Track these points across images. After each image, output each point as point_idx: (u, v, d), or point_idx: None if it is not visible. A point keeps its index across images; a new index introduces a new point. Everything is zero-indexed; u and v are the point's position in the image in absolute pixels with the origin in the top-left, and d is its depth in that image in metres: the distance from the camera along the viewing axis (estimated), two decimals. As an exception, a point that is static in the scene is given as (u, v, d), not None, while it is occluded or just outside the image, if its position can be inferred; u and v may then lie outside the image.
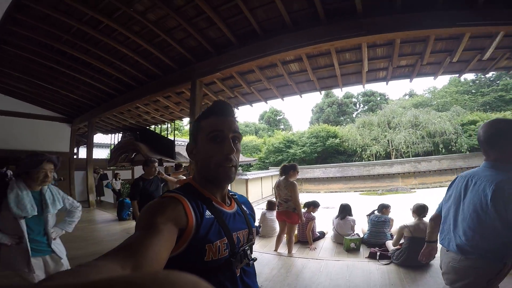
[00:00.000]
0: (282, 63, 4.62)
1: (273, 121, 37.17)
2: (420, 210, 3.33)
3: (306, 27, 3.61)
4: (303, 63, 4.54)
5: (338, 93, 35.29)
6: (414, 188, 16.88)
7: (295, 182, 3.76)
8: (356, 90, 36.89)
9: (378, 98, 32.70)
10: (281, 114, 38.02)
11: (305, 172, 20.25)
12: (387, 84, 5.26)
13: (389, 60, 4.40)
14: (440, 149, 19.95)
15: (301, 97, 5.84)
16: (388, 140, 20.86)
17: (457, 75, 4.99)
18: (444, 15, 3.13)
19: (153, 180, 3.85)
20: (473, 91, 26.20)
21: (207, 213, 0.72)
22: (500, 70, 5.06)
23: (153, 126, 10.36)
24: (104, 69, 5.53)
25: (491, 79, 25.19)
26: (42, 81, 6.58)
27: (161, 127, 10.55)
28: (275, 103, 43.13)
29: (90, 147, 8.82)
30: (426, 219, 3.26)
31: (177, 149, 10.06)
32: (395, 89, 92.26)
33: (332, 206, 11.60)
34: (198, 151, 0.78)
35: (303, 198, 14.54)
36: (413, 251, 2.97)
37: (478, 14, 3.02)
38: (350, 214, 4.66)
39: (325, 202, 13.04)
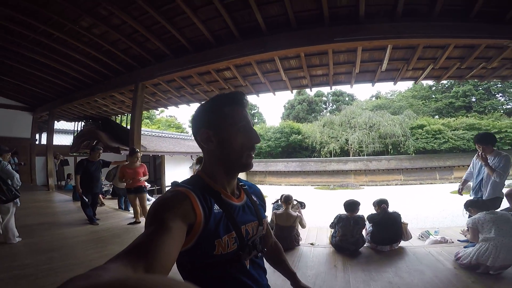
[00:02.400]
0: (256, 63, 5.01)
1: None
2: (285, 199, 4.26)
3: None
4: (275, 63, 4.92)
5: (310, 91, 36.56)
6: (364, 185, 18.46)
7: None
8: (326, 89, 38.42)
9: (347, 98, 34.24)
10: (256, 108, 38.73)
11: (269, 165, 21.51)
12: (351, 87, 5.82)
13: (405, 62, 4.72)
14: (390, 150, 21.73)
15: (274, 94, 6.29)
16: (345, 139, 22.42)
17: (414, 81, 5.57)
18: (400, 26, 3.56)
19: (94, 163, 5.23)
20: (431, 96, 28.08)
21: (216, 207, 0.72)
22: (454, 79, 5.92)
23: (116, 116, 10.93)
24: (62, 69, 6.17)
25: (446, 86, 27.03)
26: (4, 75, 7.05)
27: (127, 116, 11.08)
28: (251, 98, 43.45)
29: (50, 134, 9.35)
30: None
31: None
32: (364, 90, 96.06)
33: (301, 200, 12.75)
34: (222, 139, 0.76)
35: (267, 190, 15.79)
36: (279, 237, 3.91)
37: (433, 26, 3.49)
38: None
39: (279, 195, 14.27)
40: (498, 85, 23.72)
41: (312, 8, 3.63)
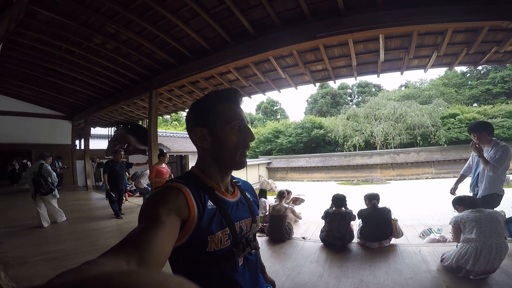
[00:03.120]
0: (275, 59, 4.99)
1: (269, 111, 37.85)
2: (279, 194, 4.45)
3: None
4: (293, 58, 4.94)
5: (334, 84, 35.38)
6: (391, 180, 17.64)
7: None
8: (351, 81, 37.01)
9: (373, 89, 32.70)
10: (277, 104, 38.56)
11: (290, 161, 21.51)
12: (378, 76, 5.50)
13: (405, 51, 4.53)
14: (419, 141, 20.45)
15: (297, 89, 6.23)
16: (370, 132, 21.49)
17: (448, 67, 5.19)
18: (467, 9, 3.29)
19: (119, 163, 6.03)
20: (466, 83, 25.98)
21: (209, 203, 0.72)
22: (492, 64, 5.27)
23: (142, 121, 11.90)
24: (88, 81, 7.04)
25: (482, 72, 24.88)
26: (43, 88, 8.18)
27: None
28: (272, 94, 43.44)
29: (86, 139, 10.51)
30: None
31: (161, 140, 11.65)
32: (391, 81, 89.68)
33: (304, 193, 12.82)
34: (216, 136, 0.77)
35: (288, 186, 15.92)
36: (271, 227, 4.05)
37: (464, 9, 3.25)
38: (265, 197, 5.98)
39: (303, 190, 14.34)
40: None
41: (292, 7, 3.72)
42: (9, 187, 10.95)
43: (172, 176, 5.97)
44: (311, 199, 10.71)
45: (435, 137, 19.89)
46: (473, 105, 23.46)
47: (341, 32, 3.69)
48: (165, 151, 5.90)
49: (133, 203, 7.68)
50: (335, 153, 21.96)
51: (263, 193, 6.37)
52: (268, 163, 21.84)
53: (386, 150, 20.27)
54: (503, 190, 3.06)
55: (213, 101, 0.78)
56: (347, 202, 3.79)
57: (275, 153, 25.60)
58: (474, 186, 3.25)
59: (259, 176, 17.68)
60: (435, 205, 8.53)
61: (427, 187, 13.76)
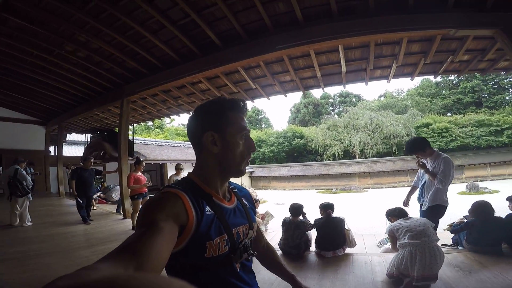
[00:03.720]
0: (265, 64, 4.99)
1: (254, 120, 38.07)
2: None
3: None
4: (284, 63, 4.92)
5: (316, 93, 36.00)
6: (368, 188, 18.15)
7: None
8: (333, 91, 37.89)
9: (353, 99, 33.76)
10: (262, 113, 39.03)
11: (272, 170, 21.79)
12: (412, 79, 5.40)
13: (366, 61, 4.65)
14: (394, 151, 21.25)
15: (269, 99, 6.30)
16: (349, 142, 22.16)
17: (410, 77, 5.29)
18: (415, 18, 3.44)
19: (88, 170, 6.01)
20: (440, 93, 27.07)
21: (207, 209, 0.72)
22: (450, 73, 5.49)
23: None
24: (61, 87, 6.99)
25: (454, 82, 26.10)
26: (16, 92, 8.01)
27: (133, 127, 11.87)
28: (256, 102, 43.60)
29: (60, 146, 10.31)
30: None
31: (138, 147, 11.59)
32: (372, 90, 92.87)
33: (283, 202, 13.00)
34: (227, 142, 0.77)
35: (270, 195, 16.00)
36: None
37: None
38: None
39: (282, 199, 14.48)
40: (510, 79, 22.63)
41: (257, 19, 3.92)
42: None
43: (151, 183, 5.95)
44: (286, 208, 10.80)
45: None
46: (447, 114, 24.48)
47: (299, 44, 3.93)
48: (141, 159, 5.93)
49: (104, 209, 7.56)
50: (315, 162, 22.40)
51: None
52: (251, 172, 21.98)
53: (363, 159, 20.84)
54: (447, 201, 3.08)
55: (226, 107, 0.79)
56: (304, 211, 3.82)
57: (258, 162, 25.70)
58: (420, 197, 3.31)
59: (242, 185, 17.68)
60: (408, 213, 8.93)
61: (403, 195, 14.18)
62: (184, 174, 5.54)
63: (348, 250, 3.61)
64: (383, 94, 33.77)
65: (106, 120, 9.68)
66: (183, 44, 4.54)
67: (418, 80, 31.26)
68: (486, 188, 13.39)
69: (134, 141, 12.66)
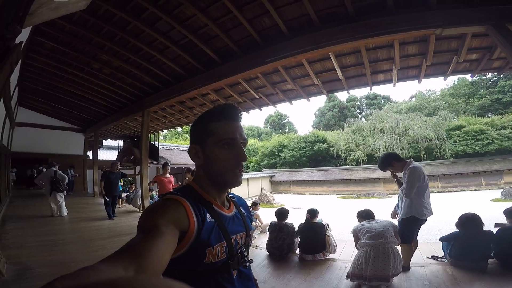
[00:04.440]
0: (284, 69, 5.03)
1: (277, 124, 38.22)
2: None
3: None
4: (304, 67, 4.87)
5: (341, 97, 35.02)
6: (393, 194, 17.27)
7: None
8: (360, 93, 36.37)
9: (382, 101, 32.37)
10: (286, 117, 39.01)
11: (293, 174, 21.78)
12: (419, 82, 5.13)
13: (423, 57, 4.34)
14: (423, 155, 19.90)
15: (309, 100, 6.12)
16: (374, 146, 21.22)
17: (442, 77, 4.92)
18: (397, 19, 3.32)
19: (115, 173, 6.91)
20: (476, 93, 25.07)
21: (208, 216, 0.74)
22: (462, 74, 5.03)
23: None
24: (93, 99, 8.02)
25: (491, 81, 23.99)
26: (58, 103, 9.30)
27: (154, 134, 12.95)
28: (280, 107, 43.36)
29: (95, 151, 11.58)
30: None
31: (163, 153, 12.55)
32: (402, 91, 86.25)
33: (299, 206, 13.06)
34: (206, 154, 0.79)
35: (291, 199, 16.07)
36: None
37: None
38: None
39: (299, 203, 14.51)
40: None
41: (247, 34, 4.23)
42: (27, 191, 12.18)
43: (180, 184, 6.65)
44: (303, 212, 10.83)
45: (441, 150, 19.31)
46: (486, 115, 22.38)
47: (286, 56, 4.11)
48: (168, 163, 6.73)
49: (129, 208, 8.45)
50: (338, 167, 21.96)
51: (254, 205, 6.71)
52: (271, 176, 22.22)
53: None
54: (425, 214, 2.98)
55: (206, 119, 0.80)
56: (288, 216, 4.06)
57: (279, 167, 25.81)
58: (396, 209, 3.31)
59: (261, 188, 18.04)
60: (428, 220, 8.48)
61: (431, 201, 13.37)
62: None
63: (331, 255, 3.75)
64: (414, 95, 31.84)
65: (134, 128, 10.73)
66: (188, 61, 5.06)
67: (451, 79, 29.01)
68: (525, 195, 12.11)
69: (161, 146, 13.82)
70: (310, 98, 6.18)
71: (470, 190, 16.01)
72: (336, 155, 23.92)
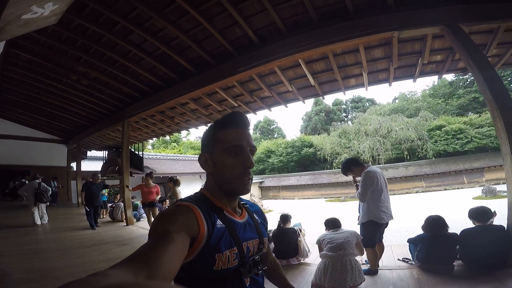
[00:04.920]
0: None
1: (266, 130, 38.26)
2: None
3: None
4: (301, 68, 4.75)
5: (328, 101, 35.55)
6: None
7: None
8: (345, 96, 36.73)
9: (366, 104, 32.81)
10: (274, 123, 39.14)
11: (281, 180, 21.93)
12: (390, 85, 5.20)
13: (389, 60, 4.38)
14: (406, 156, 20.40)
15: (287, 107, 6.18)
16: (358, 148, 21.66)
17: (411, 79, 4.94)
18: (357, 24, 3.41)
19: (96, 184, 6.94)
20: (454, 93, 25.72)
21: (218, 222, 0.74)
22: (430, 75, 5.01)
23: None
24: (74, 110, 8.01)
25: (468, 80, 24.61)
26: (38, 114, 9.19)
27: (138, 144, 12.84)
28: (268, 113, 43.32)
29: (78, 162, 11.45)
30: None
31: (148, 162, 12.48)
32: (386, 93, 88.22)
33: (287, 212, 13.02)
34: (214, 162, 0.80)
35: (279, 205, 16.07)
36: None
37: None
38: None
39: (289, 208, 14.54)
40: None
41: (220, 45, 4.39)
42: (10, 202, 11.89)
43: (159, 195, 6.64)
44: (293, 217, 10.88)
45: (423, 150, 19.76)
46: (465, 114, 22.95)
47: (257, 65, 4.27)
48: (151, 172, 6.77)
49: (110, 218, 8.41)
50: (325, 170, 22.16)
51: None
52: (261, 182, 22.29)
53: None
54: (383, 218, 2.99)
55: (215, 127, 0.81)
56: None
57: (268, 172, 25.95)
58: (359, 213, 3.34)
59: (251, 195, 18.10)
60: (408, 221, 8.50)
61: (414, 202, 13.73)
62: (180, 187, 6.18)
63: (307, 260, 3.79)
64: (397, 97, 32.41)
65: (117, 138, 10.62)
66: (163, 71, 5.20)
67: (430, 80, 29.50)
68: (505, 192, 12.53)
69: (146, 156, 13.75)
70: (287, 105, 6.35)
71: (453, 189, 16.37)
72: (323, 159, 24.19)
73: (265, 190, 21.63)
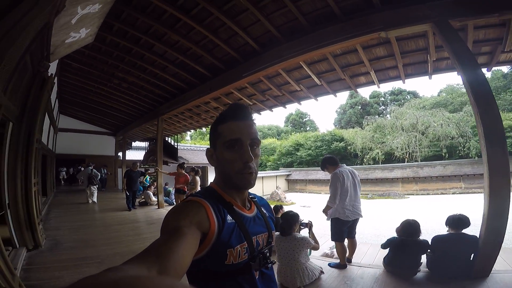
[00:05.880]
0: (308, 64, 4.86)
1: (298, 123, 37.88)
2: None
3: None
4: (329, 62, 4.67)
5: (364, 93, 33.81)
6: (412, 194, 16.74)
7: None
8: (384, 88, 34.50)
9: (407, 96, 30.46)
10: (307, 116, 38.59)
11: (309, 173, 21.91)
12: (378, 87, 5.21)
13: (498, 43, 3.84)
14: (444, 154, 18.77)
15: (336, 96, 6.00)
16: (393, 144, 20.45)
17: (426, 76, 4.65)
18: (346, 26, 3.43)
19: (135, 172, 8.06)
20: (508, 86, 22.81)
21: (228, 217, 0.74)
22: (446, 72, 4.63)
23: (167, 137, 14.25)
24: (119, 108, 9.39)
25: None
26: (91, 111, 10.90)
27: (173, 137, 14.19)
28: (300, 105, 42.09)
29: (124, 152, 13.18)
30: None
31: (182, 153, 13.80)
32: (432, 85, 78.37)
33: (309, 205, 13.42)
34: (217, 157, 0.80)
35: (304, 198, 16.28)
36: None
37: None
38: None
39: (310, 202, 14.79)
40: None
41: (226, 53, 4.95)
42: (69, 187, 14.38)
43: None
44: (313, 210, 11.14)
45: (465, 149, 18.18)
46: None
47: (258, 70, 4.65)
48: (184, 162, 7.78)
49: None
50: (354, 166, 21.16)
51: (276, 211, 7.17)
52: (288, 175, 22.60)
53: (408, 163, 19.18)
54: (348, 216, 3.15)
55: (217, 121, 0.82)
56: None
57: (296, 165, 26.03)
58: None
59: (277, 187, 18.60)
60: (433, 223, 8.10)
61: (450, 203, 12.88)
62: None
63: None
64: (443, 89, 29.38)
65: (155, 131, 12.02)
66: (185, 76, 5.97)
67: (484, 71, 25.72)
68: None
69: (181, 147, 15.16)
70: (301, 102, 6.71)
71: None
72: (354, 154, 23.55)
73: (292, 183, 21.94)
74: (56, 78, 6.52)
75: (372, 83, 5.37)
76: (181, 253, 0.53)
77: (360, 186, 3.39)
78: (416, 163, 18.92)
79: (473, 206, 11.28)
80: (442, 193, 16.14)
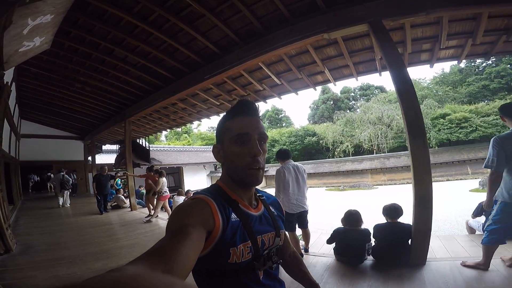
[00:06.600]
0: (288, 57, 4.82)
1: (274, 119, 38.35)
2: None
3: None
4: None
5: (335, 89, 34.80)
6: (380, 185, 17.59)
7: None
8: (353, 84, 35.64)
9: (375, 91, 31.85)
10: (282, 112, 39.24)
11: (285, 169, 22.20)
12: (380, 75, 5.07)
13: (436, 40, 3.94)
14: (406, 144, 20.03)
15: (297, 94, 6.17)
16: (360, 137, 21.64)
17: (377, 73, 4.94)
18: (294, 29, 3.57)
19: (104, 175, 8.01)
20: (464, 80, 24.65)
21: (233, 216, 0.74)
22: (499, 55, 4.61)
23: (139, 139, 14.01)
24: (84, 111, 9.16)
25: (480, 68, 23.61)
26: (55, 115, 10.48)
27: (145, 138, 13.97)
28: (276, 102, 42.59)
29: (93, 156, 12.81)
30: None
31: (154, 154, 13.65)
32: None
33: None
34: (225, 153, 0.79)
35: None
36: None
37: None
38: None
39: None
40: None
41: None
42: (37, 194, 13.73)
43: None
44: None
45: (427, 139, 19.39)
46: (476, 103, 21.83)
47: (218, 72, 4.86)
48: (153, 166, 7.78)
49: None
50: (326, 159, 22.36)
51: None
52: (265, 171, 22.68)
53: (375, 155, 20.17)
54: (293, 209, 3.35)
55: (225, 117, 0.82)
56: None
57: (272, 162, 26.45)
58: None
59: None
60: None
61: (410, 192, 13.65)
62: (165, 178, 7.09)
63: (316, 251, 3.75)
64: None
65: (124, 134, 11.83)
66: (149, 79, 6.05)
67: (439, 66, 27.78)
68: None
69: (153, 148, 14.96)
70: (266, 101, 6.99)
71: (456, 180, 16.05)
72: (325, 148, 24.43)
73: (269, 179, 22.27)
74: (14, 84, 6.31)
75: (328, 81, 5.64)
76: (186, 253, 0.53)
77: (305, 180, 3.57)
78: (383, 154, 19.94)
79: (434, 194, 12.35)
80: (407, 183, 16.78)
